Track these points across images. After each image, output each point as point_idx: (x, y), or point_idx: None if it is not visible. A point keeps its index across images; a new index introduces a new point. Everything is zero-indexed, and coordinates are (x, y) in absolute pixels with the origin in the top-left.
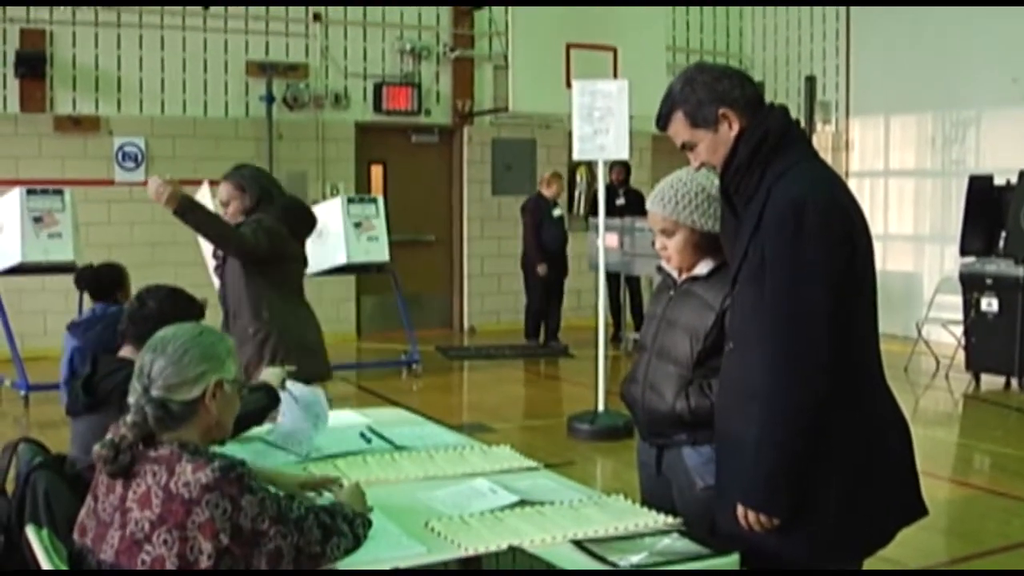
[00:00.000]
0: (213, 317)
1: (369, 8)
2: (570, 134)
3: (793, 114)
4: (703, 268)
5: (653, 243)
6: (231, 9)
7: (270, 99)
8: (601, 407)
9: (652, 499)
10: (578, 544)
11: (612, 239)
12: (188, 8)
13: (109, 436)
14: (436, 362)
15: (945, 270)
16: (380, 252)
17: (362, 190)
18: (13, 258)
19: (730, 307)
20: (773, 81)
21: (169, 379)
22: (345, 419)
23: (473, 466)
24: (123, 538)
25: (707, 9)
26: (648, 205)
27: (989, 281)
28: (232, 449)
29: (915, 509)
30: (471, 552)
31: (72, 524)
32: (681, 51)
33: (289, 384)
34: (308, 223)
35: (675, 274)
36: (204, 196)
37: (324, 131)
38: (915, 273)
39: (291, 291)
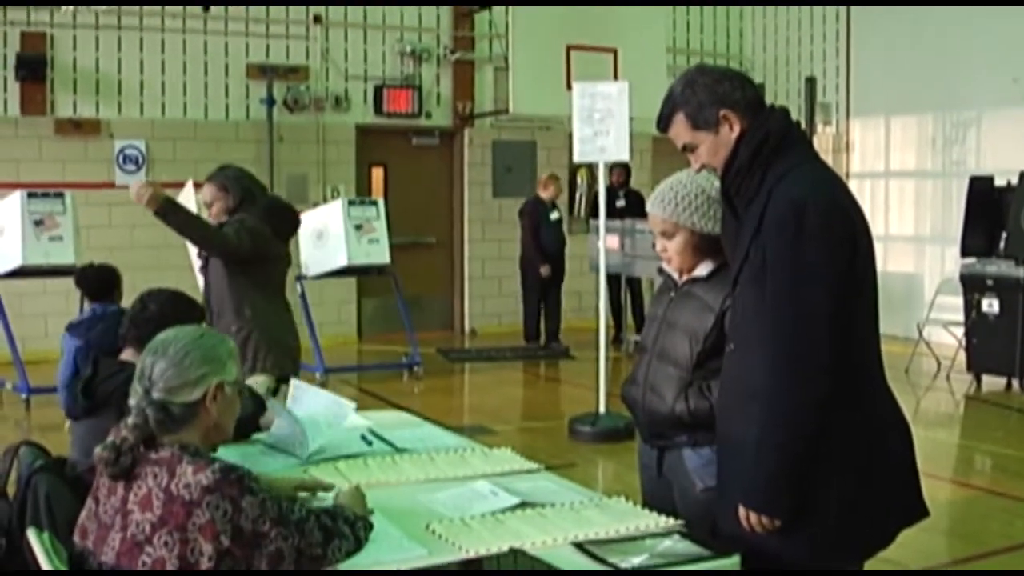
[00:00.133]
0: None
1: (369, 10)
2: (570, 136)
3: (793, 115)
4: (703, 270)
5: (653, 245)
6: (231, 11)
7: (271, 101)
8: (602, 409)
9: (653, 501)
10: (579, 546)
11: (613, 241)
12: (188, 11)
13: (110, 438)
14: (437, 364)
15: (946, 271)
16: (381, 254)
17: (363, 192)
18: (14, 261)
19: (731, 308)
20: (773, 82)
21: (170, 381)
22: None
23: (474, 468)
24: (124, 540)
25: (707, 10)
26: (648, 207)
27: (990, 282)
28: (232, 453)
29: (916, 510)
30: (472, 554)
31: (73, 527)
32: (681, 52)
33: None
34: (291, 223)
35: (676, 276)
36: (188, 197)
37: (325, 133)
38: (916, 274)
39: (274, 291)
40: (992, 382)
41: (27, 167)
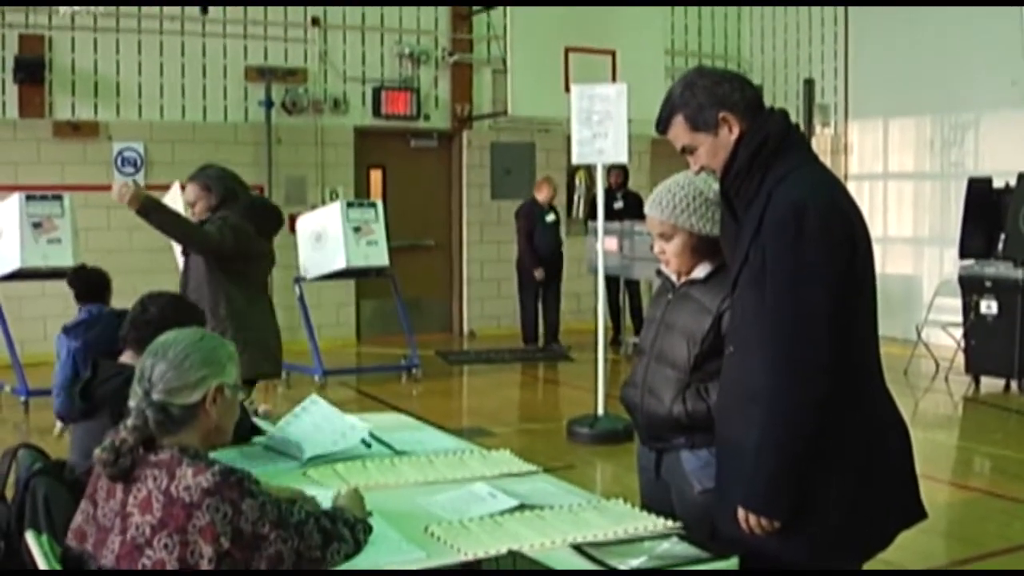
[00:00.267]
0: None
1: (367, 12)
2: (569, 138)
3: (792, 117)
4: (701, 272)
5: (652, 247)
6: (230, 14)
7: (269, 104)
8: (601, 411)
9: (652, 503)
10: (578, 548)
11: (611, 243)
12: (187, 13)
13: (109, 440)
14: (436, 366)
15: (944, 273)
16: (380, 256)
17: (361, 195)
18: (12, 264)
19: (730, 310)
20: (772, 84)
21: (170, 383)
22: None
23: (473, 470)
24: (124, 543)
25: (705, 12)
26: (646, 209)
27: (988, 283)
28: (232, 454)
29: (915, 512)
30: (471, 557)
31: None
32: (680, 54)
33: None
34: (274, 220)
35: (674, 278)
36: (175, 198)
37: (323, 136)
38: (914, 276)
39: (257, 290)
40: (991, 384)
41: (25, 169)
